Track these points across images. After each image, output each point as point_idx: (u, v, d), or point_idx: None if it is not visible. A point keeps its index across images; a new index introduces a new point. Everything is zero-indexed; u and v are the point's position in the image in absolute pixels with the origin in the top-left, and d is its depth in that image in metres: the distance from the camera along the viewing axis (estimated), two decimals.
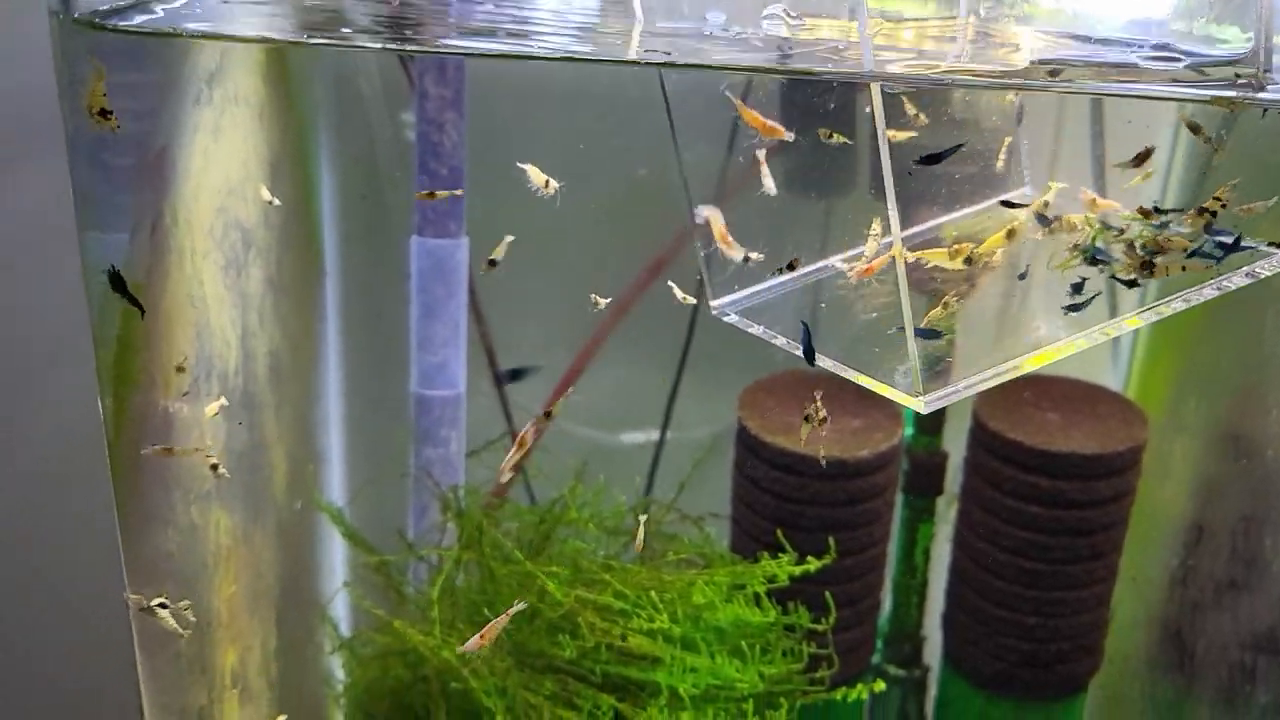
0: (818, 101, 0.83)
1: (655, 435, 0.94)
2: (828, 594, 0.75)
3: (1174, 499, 0.81)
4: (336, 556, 0.82)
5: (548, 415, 0.60)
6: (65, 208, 0.58)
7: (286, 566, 0.70)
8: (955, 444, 0.86)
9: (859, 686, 0.83)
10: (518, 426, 0.91)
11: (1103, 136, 0.75)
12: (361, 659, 0.77)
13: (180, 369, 0.47)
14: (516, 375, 0.89)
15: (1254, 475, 0.72)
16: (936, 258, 0.59)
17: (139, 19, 0.43)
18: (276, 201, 0.62)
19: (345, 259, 0.84)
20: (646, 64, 0.62)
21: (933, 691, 0.90)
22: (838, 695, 0.75)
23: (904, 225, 0.59)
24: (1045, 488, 0.79)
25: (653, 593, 0.72)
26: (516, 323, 0.91)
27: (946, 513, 0.87)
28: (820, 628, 0.75)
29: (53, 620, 0.98)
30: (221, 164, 0.54)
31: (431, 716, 0.72)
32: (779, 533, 0.77)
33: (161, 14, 0.42)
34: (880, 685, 0.79)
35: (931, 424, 0.86)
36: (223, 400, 0.54)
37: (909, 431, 0.87)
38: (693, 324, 0.93)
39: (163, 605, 0.44)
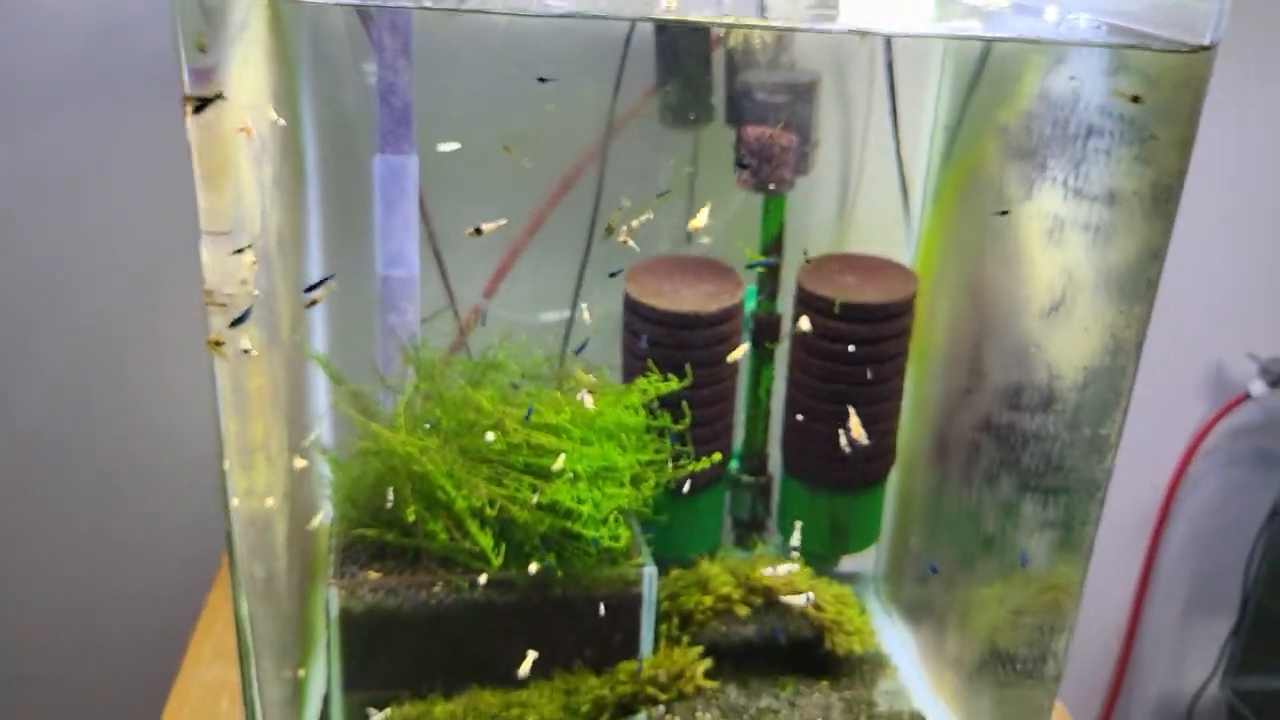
0: (681, 45, 1.11)
1: (566, 313, 1.21)
2: (684, 404, 1.04)
3: (939, 338, 1.10)
4: (322, 393, 1.09)
5: None
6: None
7: (288, 386, 0.96)
8: (786, 306, 1.15)
9: (719, 488, 1.12)
10: (459, 303, 1.18)
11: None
12: (344, 464, 1.04)
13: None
14: None
15: (981, 313, 1.02)
16: None
17: None
18: (282, 121, 0.88)
19: (323, 175, 1.10)
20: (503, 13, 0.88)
21: (775, 494, 1.19)
22: (697, 465, 1.03)
23: None
24: (845, 330, 1.07)
25: (560, 403, 1.00)
26: (458, 226, 1.18)
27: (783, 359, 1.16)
28: (679, 427, 1.03)
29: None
30: (247, 85, 0.80)
31: (399, 495, 0.99)
32: (650, 362, 1.05)
33: None
34: (721, 457, 1.07)
35: (768, 291, 1.14)
36: (252, 258, 0.80)
37: (753, 296, 1.15)
38: (592, 226, 1.19)
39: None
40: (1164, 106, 0.76)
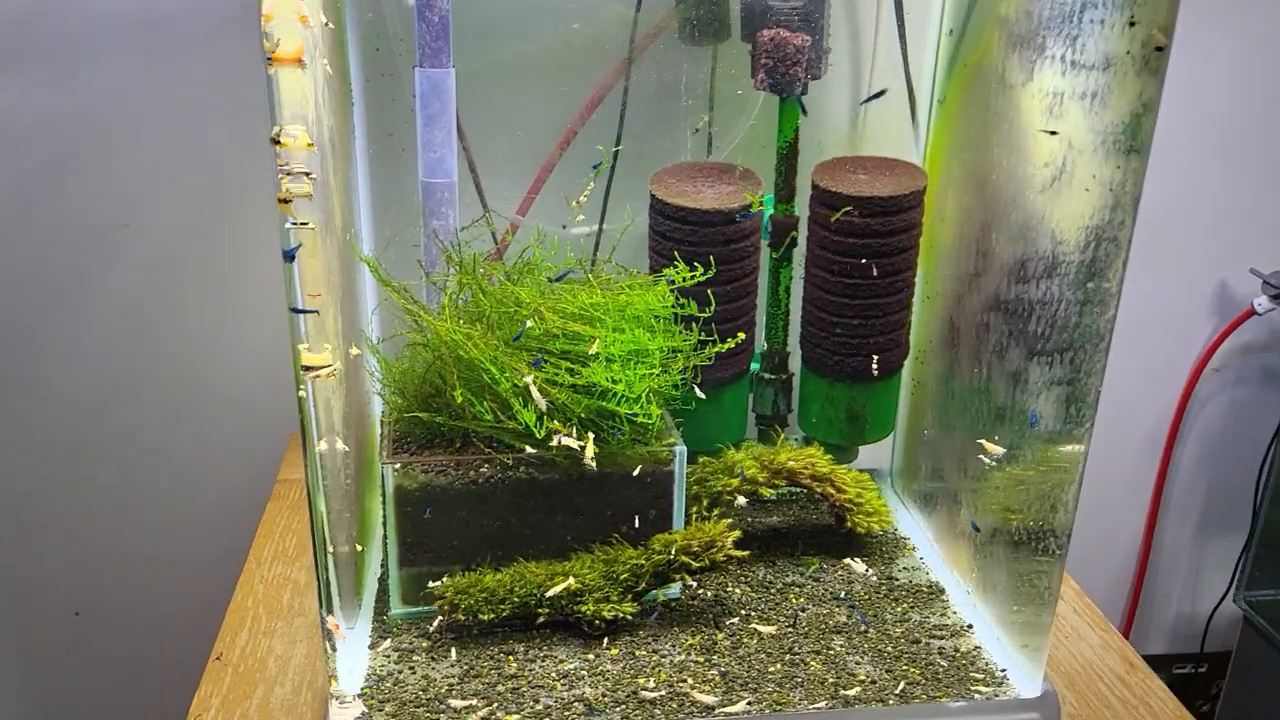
0: None
1: (595, 225, 1.28)
2: (710, 293, 1.10)
3: (948, 231, 1.16)
4: (369, 292, 1.16)
5: None
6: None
7: (342, 279, 1.03)
8: (803, 210, 1.21)
9: (743, 385, 1.19)
10: (493, 212, 1.25)
11: None
12: (393, 361, 1.11)
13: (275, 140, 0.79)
14: None
15: (987, 199, 1.08)
16: None
17: None
18: (331, 25, 0.95)
19: (367, 92, 1.17)
20: None
21: (796, 390, 1.26)
22: (723, 346, 1.09)
23: None
24: (858, 224, 1.14)
25: (594, 295, 1.07)
26: (491, 141, 1.25)
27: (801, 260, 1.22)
28: (705, 314, 1.10)
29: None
30: None
31: (446, 381, 1.06)
32: (676, 253, 1.11)
33: None
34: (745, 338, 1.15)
35: (785, 195, 1.21)
36: (308, 140, 0.87)
37: (770, 201, 1.21)
38: (619, 138, 1.26)
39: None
40: None
